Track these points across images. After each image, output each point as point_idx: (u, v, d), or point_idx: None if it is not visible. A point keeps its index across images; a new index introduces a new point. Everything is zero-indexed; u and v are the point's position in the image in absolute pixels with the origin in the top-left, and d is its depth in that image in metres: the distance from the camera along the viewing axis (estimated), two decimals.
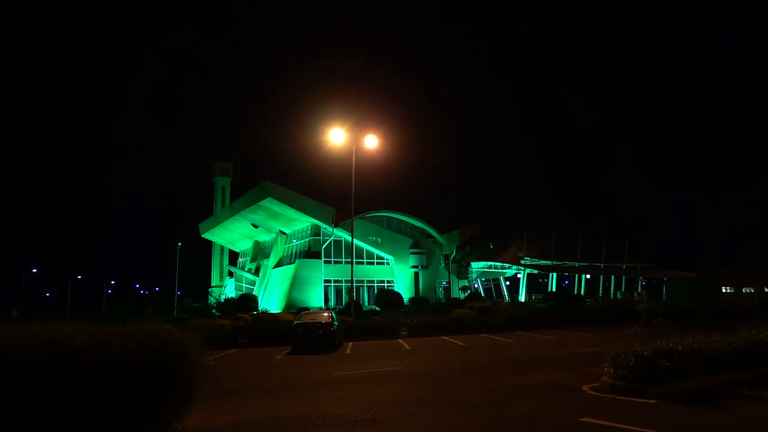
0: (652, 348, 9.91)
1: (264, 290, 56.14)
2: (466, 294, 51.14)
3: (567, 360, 15.70)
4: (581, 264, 64.00)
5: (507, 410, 8.92)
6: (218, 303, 46.13)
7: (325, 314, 22.29)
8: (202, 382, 6.26)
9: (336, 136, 29.46)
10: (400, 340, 24.64)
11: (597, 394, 9.98)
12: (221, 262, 75.87)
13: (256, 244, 65.38)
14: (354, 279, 34.04)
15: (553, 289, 62.58)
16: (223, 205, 73.59)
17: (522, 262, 60.38)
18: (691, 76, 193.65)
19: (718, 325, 15.07)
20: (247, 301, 44.82)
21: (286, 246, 56.88)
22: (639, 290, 62.75)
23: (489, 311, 32.87)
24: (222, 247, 75.27)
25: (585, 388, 10.54)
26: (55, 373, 5.03)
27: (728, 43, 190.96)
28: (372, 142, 30.36)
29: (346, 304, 40.03)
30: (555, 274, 63.93)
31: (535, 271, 62.77)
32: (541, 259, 61.86)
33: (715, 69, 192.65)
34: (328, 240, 51.40)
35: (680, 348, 10.07)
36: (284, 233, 57.01)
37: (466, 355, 18.36)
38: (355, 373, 13.94)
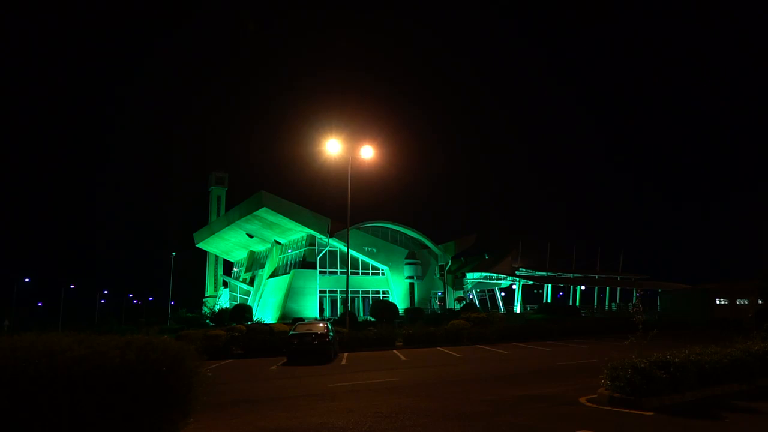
0: (649, 360, 9.92)
1: (259, 300, 55.89)
2: (462, 305, 51.07)
3: (563, 371, 15.70)
4: (576, 275, 64.08)
5: (504, 422, 8.89)
6: (212, 313, 45.88)
7: (321, 325, 22.19)
8: (200, 393, 6.22)
9: (332, 147, 29.51)
10: (395, 351, 24.55)
11: (594, 406, 9.96)
12: (216, 272, 75.58)
13: (251, 254, 65.19)
14: (349, 289, 33.94)
15: (548, 301, 62.60)
16: (218, 214, 73.45)
17: (517, 273, 60.37)
18: (688, 85, 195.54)
19: (714, 337, 15.13)
20: (242, 311, 44.59)
21: (282, 256, 56.74)
22: (634, 301, 62.80)
23: (484, 322, 32.85)
24: (216, 257, 75.01)
25: (582, 400, 10.52)
26: (52, 385, 4.97)
27: (727, 50, 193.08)
28: (368, 152, 30.42)
29: (342, 314, 39.90)
30: (550, 286, 63.94)
31: (531, 282, 62.74)
32: (536, 270, 61.90)
33: (711, 77, 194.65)
34: (323, 250, 51.31)
35: (677, 360, 10.09)
36: (279, 243, 56.89)
37: (462, 367, 18.32)
38: (351, 385, 13.87)
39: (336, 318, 41.42)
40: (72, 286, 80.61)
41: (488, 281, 62.35)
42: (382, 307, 44.75)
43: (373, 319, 42.15)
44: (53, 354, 5.12)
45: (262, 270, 58.54)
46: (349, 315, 33.05)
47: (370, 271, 54.64)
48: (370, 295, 53.62)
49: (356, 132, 44.62)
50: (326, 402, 11.18)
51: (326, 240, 50.11)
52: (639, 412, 9.16)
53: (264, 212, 49.22)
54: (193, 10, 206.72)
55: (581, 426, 8.34)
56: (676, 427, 8.38)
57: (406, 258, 54.28)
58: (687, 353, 10.76)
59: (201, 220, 76.78)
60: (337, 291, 51.34)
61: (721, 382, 10.75)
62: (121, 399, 5.27)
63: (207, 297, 71.23)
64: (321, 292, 50.63)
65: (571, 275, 63.80)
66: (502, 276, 61.49)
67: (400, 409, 10.10)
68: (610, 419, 8.92)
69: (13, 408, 4.85)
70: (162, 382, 5.53)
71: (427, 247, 57.48)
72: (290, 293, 48.73)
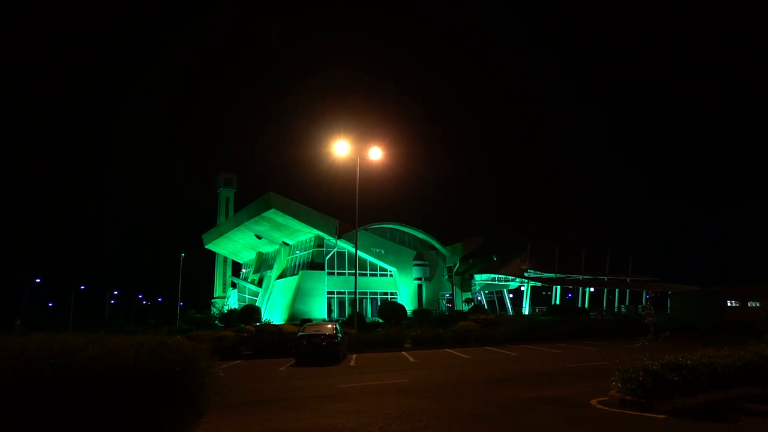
0: (660, 362, 9.85)
1: (267, 301, 56.05)
2: (470, 306, 50.96)
3: (573, 373, 15.62)
4: (585, 277, 63.73)
5: (515, 424, 8.86)
6: (221, 314, 46.10)
7: (329, 326, 22.24)
8: (212, 394, 6.25)
9: (340, 148, 29.55)
10: (404, 353, 24.53)
11: (605, 408, 9.90)
12: (224, 273, 75.86)
13: (260, 255, 65.40)
14: (357, 291, 33.95)
15: (557, 302, 62.28)
16: (226, 216, 73.76)
17: (525, 274, 60.14)
18: (699, 85, 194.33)
19: (725, 340, 14.99)
20: (250, 312, 44.76)
21: (290, 257, 56.89)
22: (644, 303, 62.34)
23: (493, 324, 32.76)
24: (225, 258, 75.30)
25: (593, 402, 10.46)
26: (66, 385, 5.00)
27: (733, 48, 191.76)
28: (376, 154, 30.43)
29: (349, 315, 39.91)
30: (559, 287, 63.63)
31: (539, 284, 62.48)
32: (544, 272, 61.63)
33: (720, 74, 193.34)
34: (331, 251, 51.39)
35: (689, 362, 10.01)
36: (288, 244, 57.05)
37: (471, 368, 18.27)
38: (361, 386, 13.88)
39: (344, 319, 41.43)
40: (82, 287, 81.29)
41: (496, 283, 62.19)
42: (390, 308, 44.75)
43: (381, 321, 42.14)
44: (69, 353, 5.16)
45: (270, 271, 58.71)
46: (358, 316, 33.06)
47: (378, 272, 54.66)
48: (378, 296, 53.63)
49: (364, 133, 44.60)
50: (336, 403, 11.19)
51: (334, 241, 50.17)
52: (651, 415, 9.09)
53: (272, 213, 49.39)
54: (197, 12, 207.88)
55: (592, 428, 8.30)
56: (688, 430, 8.31)
57: (414, 259, 54.25)
58: (699, 356, 10.67)
59: (210, 222, 77.18)
60: (345, 292, 51.36)
61: (735, 385, 10.65)
62: (135, 399, 5.29)
63: (215, 298, 71.52)
64: (329, 293, 50.71)
65: (580, 277, 63.46)
66: (510, 277, 61.33)
67: (410, 410, 10.08)
68: (622, 422, 8.86)
69: (28, 407, 4.88)
70: (175, 383, 5.55)
71: (435, 248, 57.42)
72: (298, 294, 48.84)
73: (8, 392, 4.85)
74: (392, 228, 55.83)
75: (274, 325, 36.45)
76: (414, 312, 46.39)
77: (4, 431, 4.88)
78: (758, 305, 51.50)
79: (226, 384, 13.75)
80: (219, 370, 6.87)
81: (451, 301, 56.69)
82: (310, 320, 36.81)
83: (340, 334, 21.59)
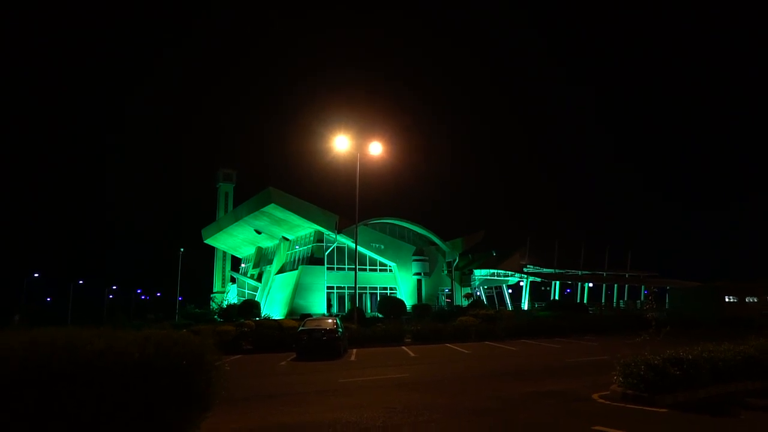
0: (662, 357, 9.89)
1: (266, 296, 56.07)
2: (469, 302, 51.00)
3: (574, 368, 15.65)
4: (584, 272, 63.76)
5: (517, 418, 8.89)
6: (220, 309, 46.12)
7: (330, 321, 22.24)
8: (219, 388, 6.24)
9: (340, 143, 29.51)
10: (404, 347, 24.56)
11: (607, 402, 9.93)
12: (223, 268, 75.85)
13: (259, 250, 65.38)
14: (357, 285, 33.96)
15: (556, 298, 62.33)
16: (226, 211, 73.69)
17: (525, 270, 60.16)
18: (695, 83, 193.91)
19: (725, 335, 15.04)
20: (250, 307, 44.79)
21: (289, 252, 56.88)
22: (642, 299, 62.46)
23: (493, 319, 32.76)
24: (224, 253, 75.26)
25: (595, 396, 10.49)
26: (73, 380, 4.97)
27: (734, 44, 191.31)
28: (376, 149, 30.38)
29: (349, 310, 39.96)
30: (558, 283, 63.62)
31: (538, 279, 62.51)
32: (544, 268, 61.65)
33: (720, 74, 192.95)
34: (331, 246, 51.39)
35: (690, 357, 10.05)
36: (287, 239, 57.02)
37: (471, 363, 18.30)
38: (362, 380, 13.91)
39: (344, 314, 41.47)
40: (80, 282, 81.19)
41: (496, 278, 62.20)
42: (389, 303, 44.79)
43: (380, 316, 42.18)
44: (75, 348, 5.12)
45: (269, 266, 58.70)
46: (357, 311, 33.08)
47: (378, 267, 54.69)
48: (378, 291, 53.66)
49: (365, 130, 44.50)
50: (338, 397, 11.21)
51: (334, 236, 50.16)
52: (653, 409, 9.13)
53: (272, 208, 49.34)
54: (197, 12, 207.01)
55: (595, 422, 8.32)
56: (690, 424, 8.35)
57: (413, 254, 54.26)
58: (700, 350, 10.71)
59: (209, 217, 77.10)
60: (344, 287, 51.40)
61: (735, 379, 10.69)
62: (142, 394, 5.26)
63: (215, 293, 71.53)
64: (329, 288, 50.73)
65: (579, 272, 63.48)
66: (509, 273, 61.31)
67: (412, 404, 10.11)
68: (624, 415, 8.90)
69: (34, 403, 4.82)
70: (182, 377, 5.52)
71: (434, 243, 57.41)
72: (298, 289, 48.87)
73: (18, 389, 4.80)
74: (392, 223, 55.80)
75: (274, 319, 36.48)
76: (413, 307, 46.43)
77: (9, 430, 4.83)
78: (756, 300, 51.70)
79: (228, 378, 13.77)
80: (224, 364, 6.87)
81: (450, 296, 56.72)
82: (310, 315, 36.82)
83: (340, 329, 21.59)
